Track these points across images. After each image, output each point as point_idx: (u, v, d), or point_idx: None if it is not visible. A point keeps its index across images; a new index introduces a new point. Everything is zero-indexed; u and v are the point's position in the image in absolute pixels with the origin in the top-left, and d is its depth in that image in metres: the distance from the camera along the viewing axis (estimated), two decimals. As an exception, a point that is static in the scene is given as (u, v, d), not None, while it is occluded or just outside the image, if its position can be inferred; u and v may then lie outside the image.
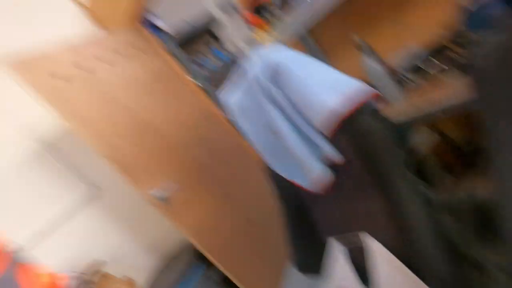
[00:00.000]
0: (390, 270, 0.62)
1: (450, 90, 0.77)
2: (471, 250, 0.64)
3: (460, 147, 0.95)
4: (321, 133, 0.63)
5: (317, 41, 1.30)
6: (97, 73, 1.22)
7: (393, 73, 0.93)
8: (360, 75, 0.72)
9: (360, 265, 0.66)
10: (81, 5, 1.47)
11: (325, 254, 0.73)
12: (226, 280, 1.36)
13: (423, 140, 0.97)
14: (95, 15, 1.48)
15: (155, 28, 1.61)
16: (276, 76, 0.65)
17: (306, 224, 0.79)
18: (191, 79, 1.67)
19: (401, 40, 1.07)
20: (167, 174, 1.27)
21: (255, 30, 1.13)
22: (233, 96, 0.75)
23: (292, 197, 0.80)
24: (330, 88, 0.61)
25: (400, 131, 0.76)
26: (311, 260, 0.78)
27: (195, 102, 1.63)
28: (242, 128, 0.75)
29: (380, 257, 0.63)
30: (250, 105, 0.71)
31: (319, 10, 1.02)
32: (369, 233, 0.65)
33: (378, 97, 0.62)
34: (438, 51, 0.90)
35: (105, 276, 1.29)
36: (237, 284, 1.33)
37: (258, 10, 1.11)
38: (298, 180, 0.70)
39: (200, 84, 1.68)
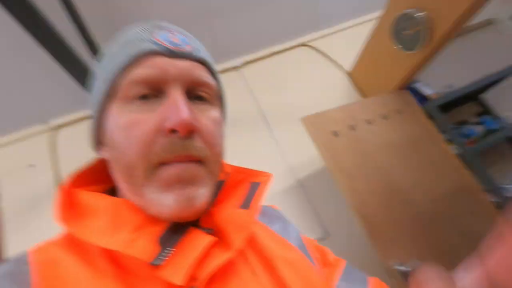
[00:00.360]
0: None
1: None
2: None
3: None
4: None
5: None
6: (357, 131, 1.41)
7: None
8: None
9: None
10: (350, 75, 1.91)
11: None
12: None
13: None
14: (363, 82, 1.84)
15: (416, 93, 1.72)
16: None
17: None
18: (452, 149, 1.50)
19: None
20: (409, 246, 1.18)
21: None
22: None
23: None
24: None
25: None
26: None
27: (455, 175, 1.41)
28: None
29: None
30: None
31: None
32: None
33: None
34: None
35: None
36: None
37: None
38: None
39: (462, 156, 1.47)
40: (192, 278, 0.28)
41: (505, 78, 1.71)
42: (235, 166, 0.42)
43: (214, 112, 0.36)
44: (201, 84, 0.35)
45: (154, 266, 0.28)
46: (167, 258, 0.28)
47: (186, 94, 0.33)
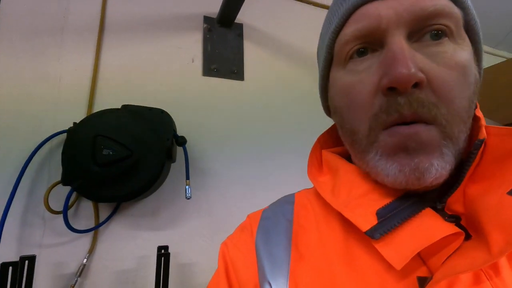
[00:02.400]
0: None
1: None
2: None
3: None
4: None
5: None
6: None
7: None
8: None
9: None
10: None
11: None
12: None
13: None
14: None
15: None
16: None
17: None
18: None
19: None
20: None
21: None
22: None
23: None
24: None
25: None
26: None
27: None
28: None
29: None
30: None
31: None
32: None
33: None
34: None
35: None
36: None
37: None
38: None
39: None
40: (427, 269, 0.26)
41: None
42: (507, 128, 0.29)
43: (457, 52, 0.27)
44: (430, 15, 0.26)
45: (373, 238, 0.26)
46: (385, 234, 0.26)
47: (415, 35, 0.27)
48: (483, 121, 0.30)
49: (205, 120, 1.11)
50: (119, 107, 0.88)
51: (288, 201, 0.38)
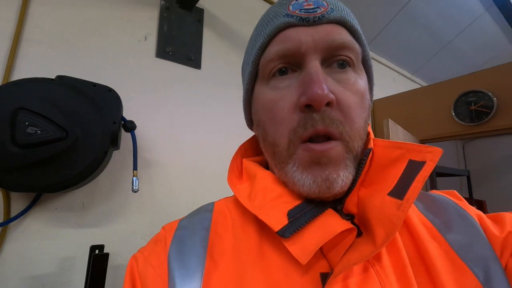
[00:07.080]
0: None
1: None
2: None
3: None
4: None
5: None
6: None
7: None
8: None
9: None
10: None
11: None
12: None
13: None
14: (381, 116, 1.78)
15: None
16: None
17: None
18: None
19: None
20: None
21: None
22: None
23: None
24: None
25: None
26: None
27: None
28: None
29: None
30: None
31: None
32: None
33: None
34: None
35: None
36: None
37: None
38: None
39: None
40: (327, 264, 0.29)
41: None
42: (388, 141, 0.35)
43: (358, 80, 0.32)
44: (339, 47, 0.31)
45: (283, 237, 0.28)
46: (294, 233, 0.28)
47: (326, 62, 0.32)
48: (372, 135, 0.36)
49: (154, 106, 1.00)
50: (51, 77, 0.72)
51: (207, 209, 0.38)
